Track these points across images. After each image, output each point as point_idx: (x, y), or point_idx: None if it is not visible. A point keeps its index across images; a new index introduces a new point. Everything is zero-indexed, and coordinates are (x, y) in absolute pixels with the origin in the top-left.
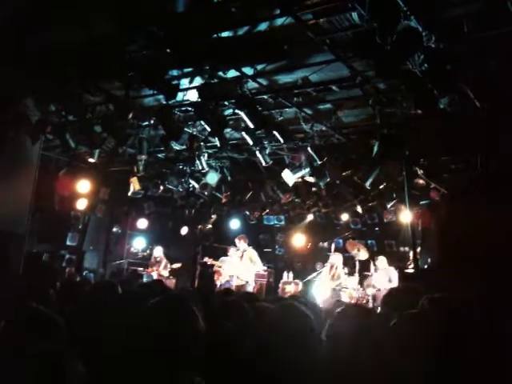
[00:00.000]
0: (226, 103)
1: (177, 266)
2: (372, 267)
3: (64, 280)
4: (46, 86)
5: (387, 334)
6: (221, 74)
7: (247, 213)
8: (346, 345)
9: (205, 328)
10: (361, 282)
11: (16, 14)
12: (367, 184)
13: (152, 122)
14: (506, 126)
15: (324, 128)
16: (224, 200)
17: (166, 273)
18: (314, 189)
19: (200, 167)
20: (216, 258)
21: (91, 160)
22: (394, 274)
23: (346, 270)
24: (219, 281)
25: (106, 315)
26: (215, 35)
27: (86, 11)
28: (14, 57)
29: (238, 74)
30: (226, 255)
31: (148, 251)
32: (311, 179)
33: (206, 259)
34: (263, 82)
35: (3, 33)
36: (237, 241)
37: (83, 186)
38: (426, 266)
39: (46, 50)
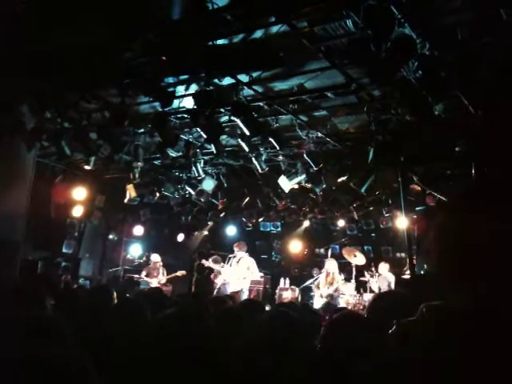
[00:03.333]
0: (222, 110)
1: (181, 273)
2: (367, 273)
3: (60, 288)
4: (42, 92)
5: (384, 342)
6: (216, 81)
7: (244, 219)
8: (340, 353)
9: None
10: (357, 288)
11: (13, 20)
12: (363, 190)
13: (148, 129)
14: (501, 132)
15: (319, 134)
16: (220, 207)
17: (163, 280)
18: (310, 195)
19: (196, 174)
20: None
21: (87, 167)
22: (393, 279)
23: (343, 276)
24: (217, 280)
25: (107, 324)
26: (211, 43)
27: (83, 18)
28: (9, 63)
29: (233, 81)
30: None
31: (144, 258)
32: (307, 185)
33: (203, 261)
34: (259, 89)
35: (0, 39)
36: (235, 248)
37: (79, 193)
38: (422, 272)
39: (41, 57)
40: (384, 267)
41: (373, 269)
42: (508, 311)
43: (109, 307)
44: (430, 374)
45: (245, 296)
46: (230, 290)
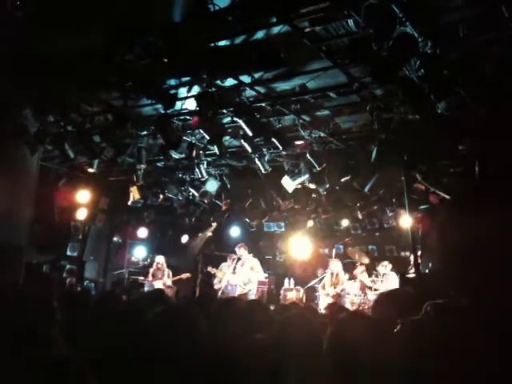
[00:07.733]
0: (225, 111)
1: (186, 275)
2: (374, 272)
3: (65, 291)
4: (45, 96)
5: (389, 342)
6: (219, 82)
7: (247, 220)
8: (347, 353)
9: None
10: (362, 288)
11: (15, 24)
12: (366, 189)
13: (151, 131)
14: (504, 130)
15: (322, 134)
16: (224, 207)
17: (168, 282)
18: (313, 195)
19: (199, 175)
20: (217, 266)
21: (90, 170)
22: (397, 278)
23: (347, 275)
24: (220, 284)
25: (108, 326)
26: (212, 44)
27: (84, 21)
28: (12, 67)
29: (235, 82)
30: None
31: (148, 260)
32: (311, 185)
33: (209, 269)
34: (261, 89)
35: (2, 43)
36: (237, 249)
37: (83, 195)
38: (427, 271)
39: (44, 61)
40: (388, 266)
41: (377, 268)
42: (508, 308)
43: (114, 309)
44: (432, 372)
45: (252, 297)
46: (236, 292)
